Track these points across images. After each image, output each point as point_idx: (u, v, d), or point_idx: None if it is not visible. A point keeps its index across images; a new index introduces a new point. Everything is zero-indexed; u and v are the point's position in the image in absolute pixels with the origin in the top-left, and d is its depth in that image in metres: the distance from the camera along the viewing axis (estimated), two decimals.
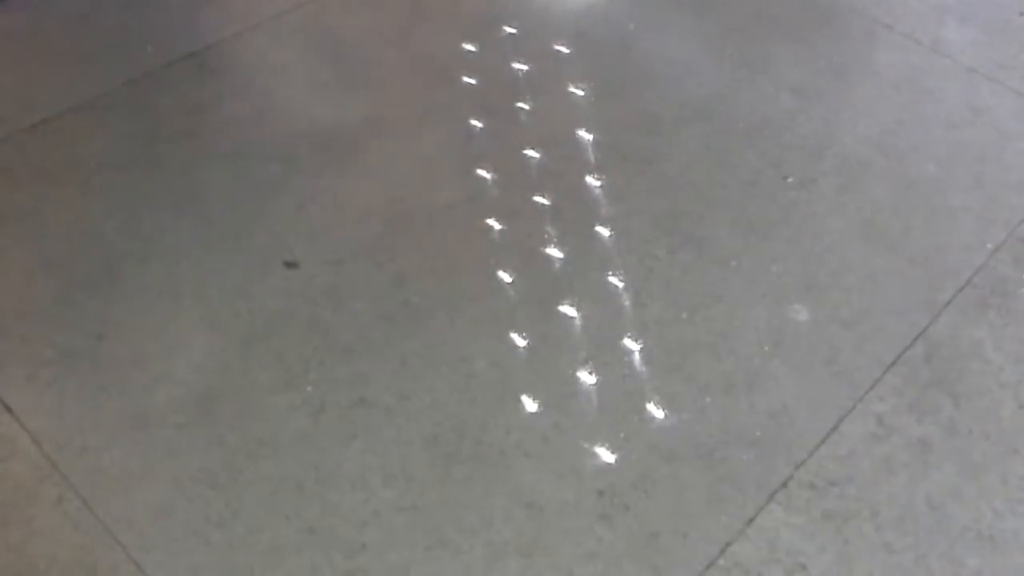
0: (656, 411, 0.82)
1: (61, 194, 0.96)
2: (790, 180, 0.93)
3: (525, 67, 1.10)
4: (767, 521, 0.76)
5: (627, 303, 0.90)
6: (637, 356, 0.86)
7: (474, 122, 1.05)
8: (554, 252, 0.93)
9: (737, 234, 0.96)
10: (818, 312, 0.90)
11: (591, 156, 1.03)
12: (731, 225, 0.97)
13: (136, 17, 1.16)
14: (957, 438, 0.82)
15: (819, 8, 1.25)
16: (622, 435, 0.80)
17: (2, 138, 1.01)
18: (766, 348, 0.87)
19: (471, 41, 1.15)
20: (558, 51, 1.12)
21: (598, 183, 1.00)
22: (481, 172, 1.00)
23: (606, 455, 0.79)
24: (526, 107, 1.07)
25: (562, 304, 0.89)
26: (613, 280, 0.91)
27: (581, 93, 1.08)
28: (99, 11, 1.16)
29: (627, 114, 1.07)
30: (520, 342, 0.86)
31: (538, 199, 0.98)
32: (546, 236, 0.95)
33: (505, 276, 0.91)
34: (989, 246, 0.96)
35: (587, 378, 0.84)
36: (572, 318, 0.88)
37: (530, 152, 1.02)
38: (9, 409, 0.80)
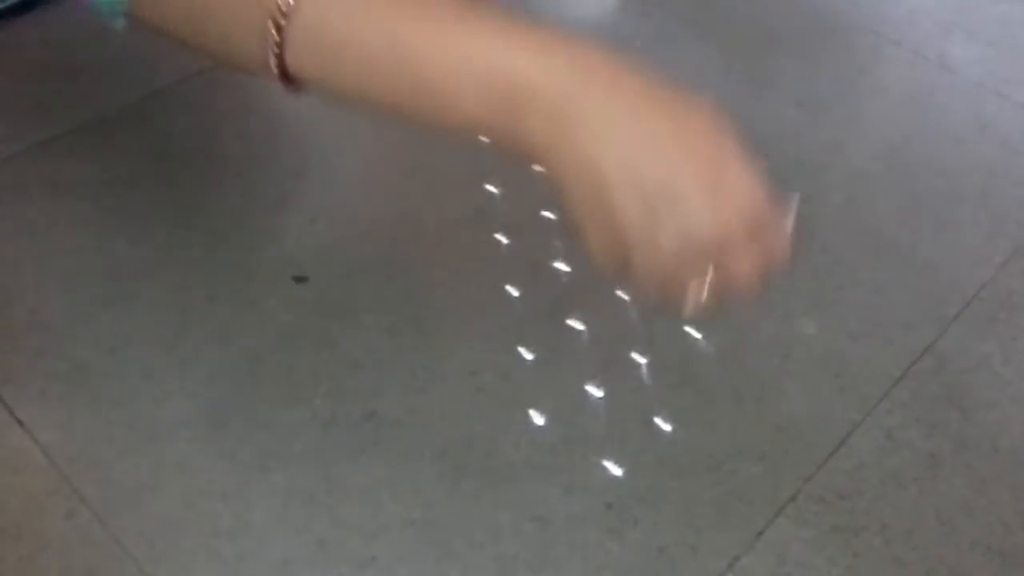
0: (664, 424, 0.82)
1: (73, 209, 0.96)
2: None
3: None
4: (776, 535, 0.75)
5: (635, 316, 0.90)
6: (645, 370, 0.86)
7: (482, 137, 1.06)
8: (562, 266, 0.93)
9: None
10: (826, 325, 0.90)
11: None
12: None
13: (149, 35, 1.17)
14: (966, 452, 0.81)
15: (825, 25, 1.25)
16: (631, 448, 0.80)
17: (15, 153, 1.01)
18: (774, 362, 0.87)
19: None
20: None
21: None
22: (489, 187, 1.01)
23: (614, 468, 0.79)
24: None
25: (570, 317, 0.89)
26: (621, 293, 0.91)
27: None
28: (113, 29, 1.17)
29: None
30: (528, 355, 0.86)
31: (546, 213, 0.98)
32: (554, 250, 0.95)
33: (513, 290, 0.91)
34: (997, 260, 0.96)
35: (595, 391, 0.84)
36: (580, 331, 0.88)
37: (538, 167, 1.03)
38: (21, 423, 0.80)
